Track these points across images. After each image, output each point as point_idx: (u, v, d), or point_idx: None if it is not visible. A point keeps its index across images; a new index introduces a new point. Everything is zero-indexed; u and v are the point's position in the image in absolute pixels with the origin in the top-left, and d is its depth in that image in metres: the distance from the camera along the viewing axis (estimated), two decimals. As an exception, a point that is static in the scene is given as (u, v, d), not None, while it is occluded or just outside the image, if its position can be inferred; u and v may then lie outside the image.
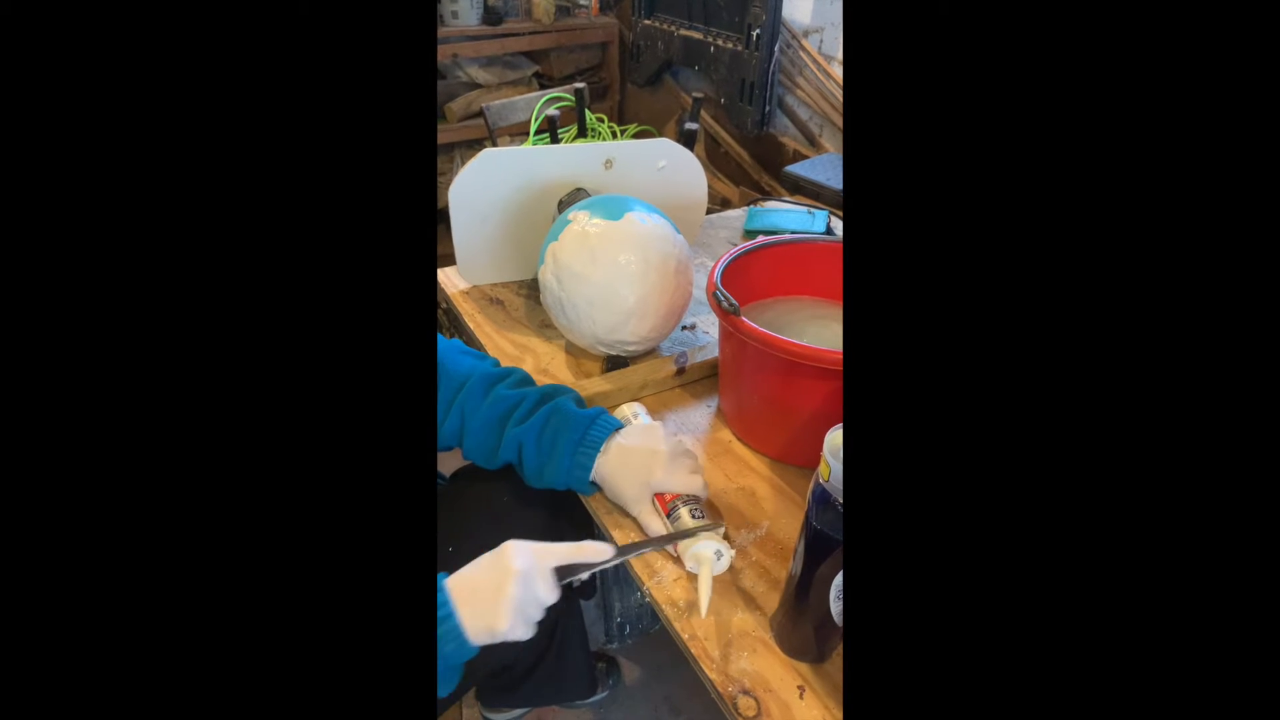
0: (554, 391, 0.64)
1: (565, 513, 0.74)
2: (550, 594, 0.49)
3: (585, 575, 0.51)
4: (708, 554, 0.53)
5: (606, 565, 0.52)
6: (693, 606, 0.54)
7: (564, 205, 0.85)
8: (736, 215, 1.17)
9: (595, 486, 0.62)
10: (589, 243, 0.71)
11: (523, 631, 0.48)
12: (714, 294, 0.63)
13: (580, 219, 0.73)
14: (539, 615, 0.49)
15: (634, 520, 0.60)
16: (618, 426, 0.62)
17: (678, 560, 0.57)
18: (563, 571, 0.50)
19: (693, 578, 0.55)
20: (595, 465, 0.60)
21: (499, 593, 0.47)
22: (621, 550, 0.53)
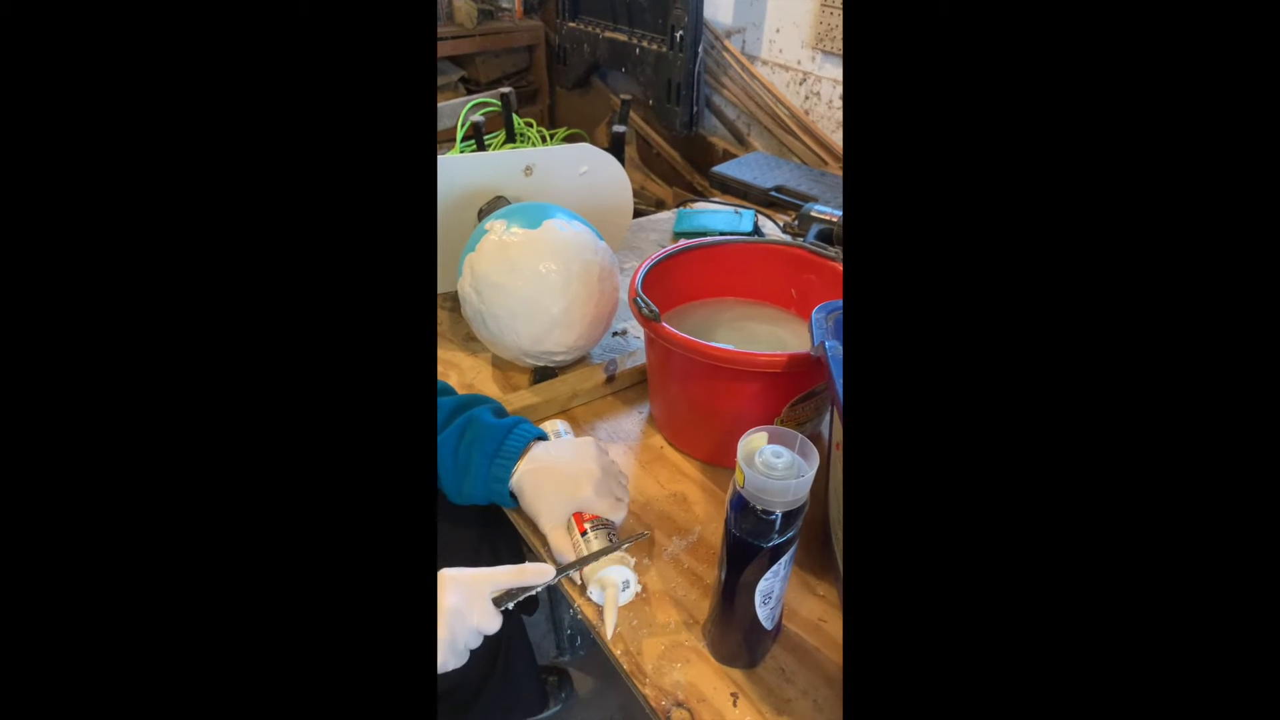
0: (470, 402, 0.61)
1: (495, 529, 0.72)
2: (490, 623, 0.47)
3: (528, 594, 0.50)
4: (615, 580, 0.52)
5: (548, 585, 0.50)
6: (621, 620, 0.53)
7: (484, 214, 0.83)
8: (666, 218, 1.17)
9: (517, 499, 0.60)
10: (508, 253, 0.69)
11: (454, 664, 0.46)
12: (634, 300, 0.63)
13: (497, 228, 0.71)
14: (477, 644, 0.47)
15: (539, 538, 0.57)
16: (538, 435, 0.60)
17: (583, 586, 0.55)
18: (502, 596, 0.48)
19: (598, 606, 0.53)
20: (515, 476, 0.57)
21: None
22: (562, 569, 0.51)
